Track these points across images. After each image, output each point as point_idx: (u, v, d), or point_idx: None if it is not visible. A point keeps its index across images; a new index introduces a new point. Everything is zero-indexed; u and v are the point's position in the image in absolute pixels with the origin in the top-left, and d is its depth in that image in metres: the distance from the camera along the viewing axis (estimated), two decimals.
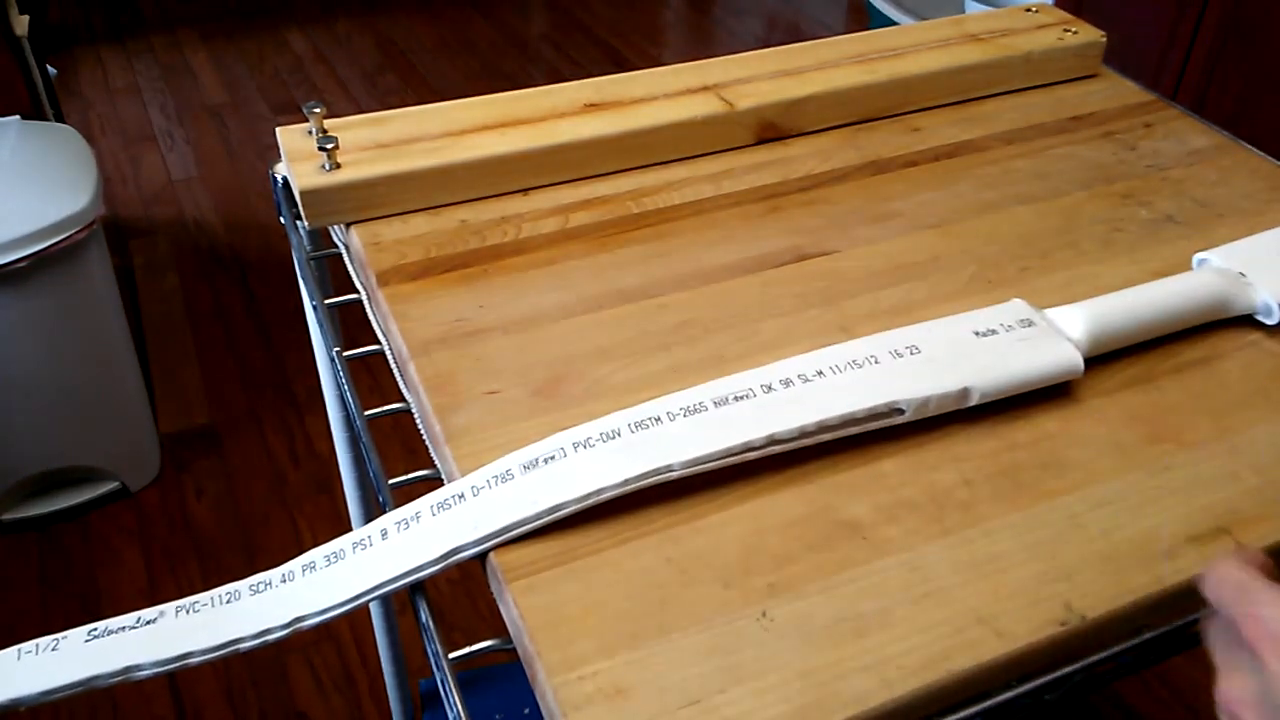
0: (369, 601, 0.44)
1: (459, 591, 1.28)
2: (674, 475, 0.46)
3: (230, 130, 2.22)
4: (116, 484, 1.39)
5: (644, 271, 0.60)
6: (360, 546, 0.45)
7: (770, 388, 0.49)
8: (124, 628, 0.44)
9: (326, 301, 0.62)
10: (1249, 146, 0.73)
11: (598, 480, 0.45)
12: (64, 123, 1.62)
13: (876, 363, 0.50)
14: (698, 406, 0.48)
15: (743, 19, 2.75)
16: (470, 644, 0.44)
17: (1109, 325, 0.53)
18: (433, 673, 0.48)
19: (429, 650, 0.44)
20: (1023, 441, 0.50)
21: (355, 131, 0.66)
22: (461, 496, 0.46)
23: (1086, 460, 0.49)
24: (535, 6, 2.78)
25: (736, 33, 2.69)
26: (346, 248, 0.64)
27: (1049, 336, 0.52)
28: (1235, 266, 0.58)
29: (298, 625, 0.44)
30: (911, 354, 0.51)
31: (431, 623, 0.44)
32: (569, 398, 0.52)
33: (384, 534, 0.45)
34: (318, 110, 0.64)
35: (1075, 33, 0.80)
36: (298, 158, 0.63)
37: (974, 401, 0.50)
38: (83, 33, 2.60)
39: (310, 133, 0.65)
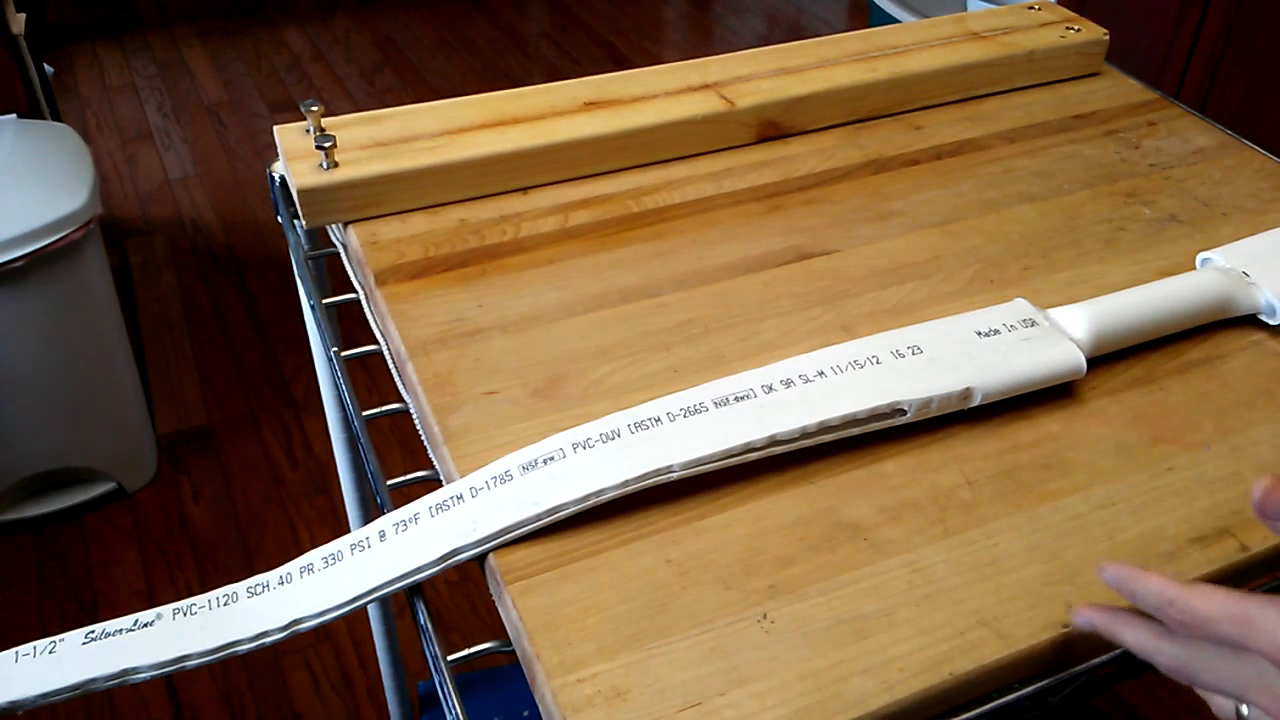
0: (367, 603, 0.44)
1: (458, 593, 1.28)
2: (674, 476, 0.46)
3: (227, 129, 2.21)
4: (113, 485, 1.39)
5: (644, 271, 0.60)
6: (358, 548, 0.45)
7: (771, 388, 0.49)
8: (121, 630, 0.43)
9: (324, 301, 0.62)
10: (1252, 145, 0.72)
11: (597, 481, 0.45)
12: (61, 121, 1.62)
13: (878, 363, 0.50)
14: (698, 407, 0.48)
15: (743, 16, 2.75)
16: (469, 646, 0.44)
17: (1112, 325, 0.53)
18: (431, 675, 0.47)
19: (427, 652, 0.44)
20: (1025, 442, 0.50)
21: (353, 130, 0.66)
22: (460, 498, 0.45)
23: (1089, 461, 0.49)
24: (534, 4, 2.78)
25: (737, 30, 2.69)
26: (344, 247, 0.64)
27: (1052, 336, 0.52)
28: (1239, 266, 0.57)
29: (295, 627, 0.44)
30: (913, 354, 0.51)
31: (430, 625, 0.44)
32: (568, 398, 0.51)
33: (382, 536, 0.45)
34: (315, 109, 0.64)
35: (1078, 31, 0.79)
36: (295, 156, 0.63)
37: (976, 402, 0.50)
38: (80, 31, 2.60)
39: (308, 131, 0.64)
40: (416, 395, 0.52)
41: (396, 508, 0.47)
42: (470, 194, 0.65)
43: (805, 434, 0.47)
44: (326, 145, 0.62)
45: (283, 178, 0.66)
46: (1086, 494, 0.47)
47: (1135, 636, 0.38)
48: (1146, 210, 0.66)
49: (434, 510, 0.45)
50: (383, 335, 0.57)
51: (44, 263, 1.16)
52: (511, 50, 2.54)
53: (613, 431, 0.47)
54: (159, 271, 1.80)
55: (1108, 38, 0.79)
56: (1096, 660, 0.43)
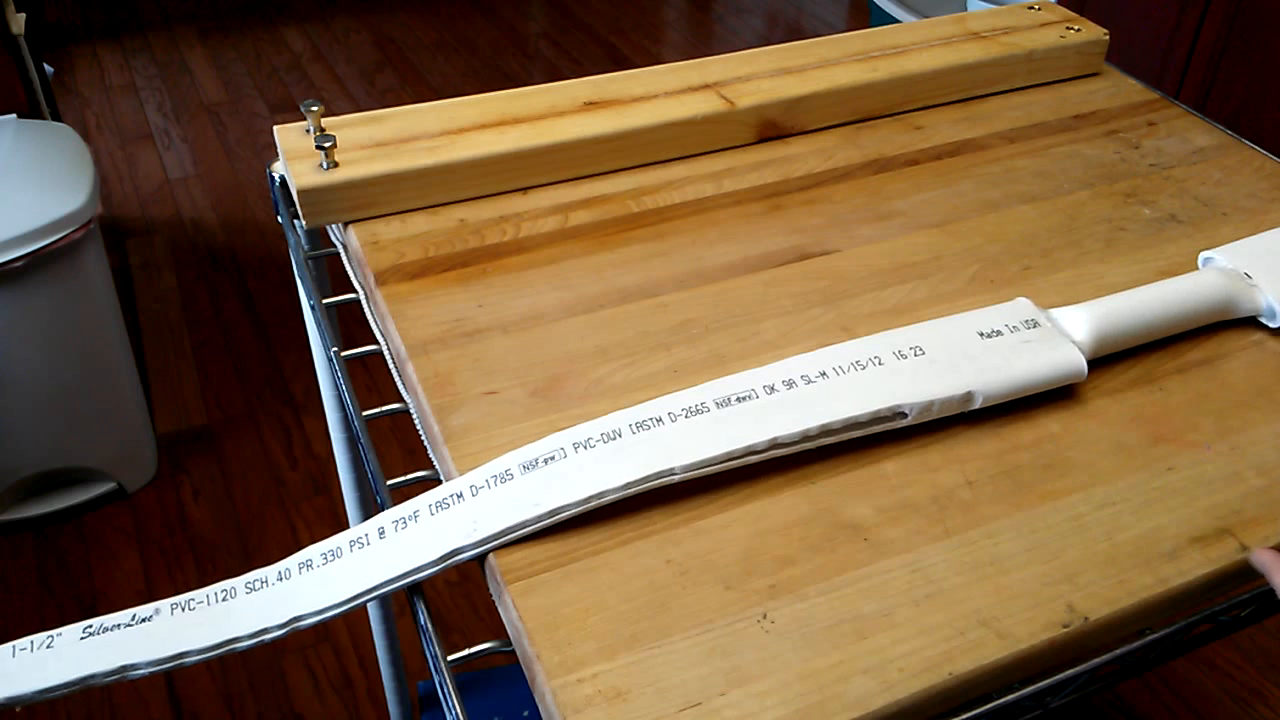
0: (367, 602, 0.44)
1: (458, 593, 1.28)
2: (675, 479, 0.46)
3: (228, 129, 2.21)
4: (113, 485, 1.39)
5: (644, 271, 0.60)
6: (358, 545, 0.45)
7: (772, 388, 0.49)
8: (119, 625, 0.43)
9: (324, 301, 0.62)
10: (1253, 145, 0.72)
11: (599, 483, 0.45)
12: (61, 121, 1.62)
13: (880, 364, 0.50)
14: (699, 407, 0.48)
15: (743, 16, 2.75)
16: (469, 646, 0.44)
17: (1113, 326, 0.53)
18: (431, 675, 0.47)
19: (427, 652, 0.44)
20: (1025, 442, 0.50)
21: (353, 130, 0.66)
22: (460, 496, 0.45)
23: (1089, 461, 0.49)
24: (534, 4, 2.78)
25: (737, 30, 2.69)
26: (344, 247, 0.64)
27: (1054, 339, 0.52)
28: (1239, 266, 0.57)
29: (295, 625, 0.43)
30: (915, 355, 0.51)
31: (430, 624, 0.44)
32: (568, 398, 0.51)
33: (381, 533, 0.45)
34: (315, 109, 0.64)
35: (1078, 31, 0.79)
36: (295, 156, 0.63)
37: (977, 405, 0.50)
38: (80, 31, 2.60)
39: (308, 131, 0.64)
40: (416, 395, 0.52)
41: None
42: (470, 194, 0.65)
43: (806, 437, 0.47)
44: (326, 145, 0.62)
45: (283, 178, 0.66)
46: (1086, 494, 0.47)
47: None
48: (1146, 210, 0.66)
49: (434, 508, 0.45)
50: (383, 335, 0.57)
51: (44, 263, 1.16)
52: (511, 50, 2.54)
53: (613, 431, 0.47)
54: (159, 271, 1.80)
55: (1108, 38, 0.79)
56: (1096, 660, 0.43)
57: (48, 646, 0.42)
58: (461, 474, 0.47)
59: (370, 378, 1.49)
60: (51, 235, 1.15)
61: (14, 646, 0.42)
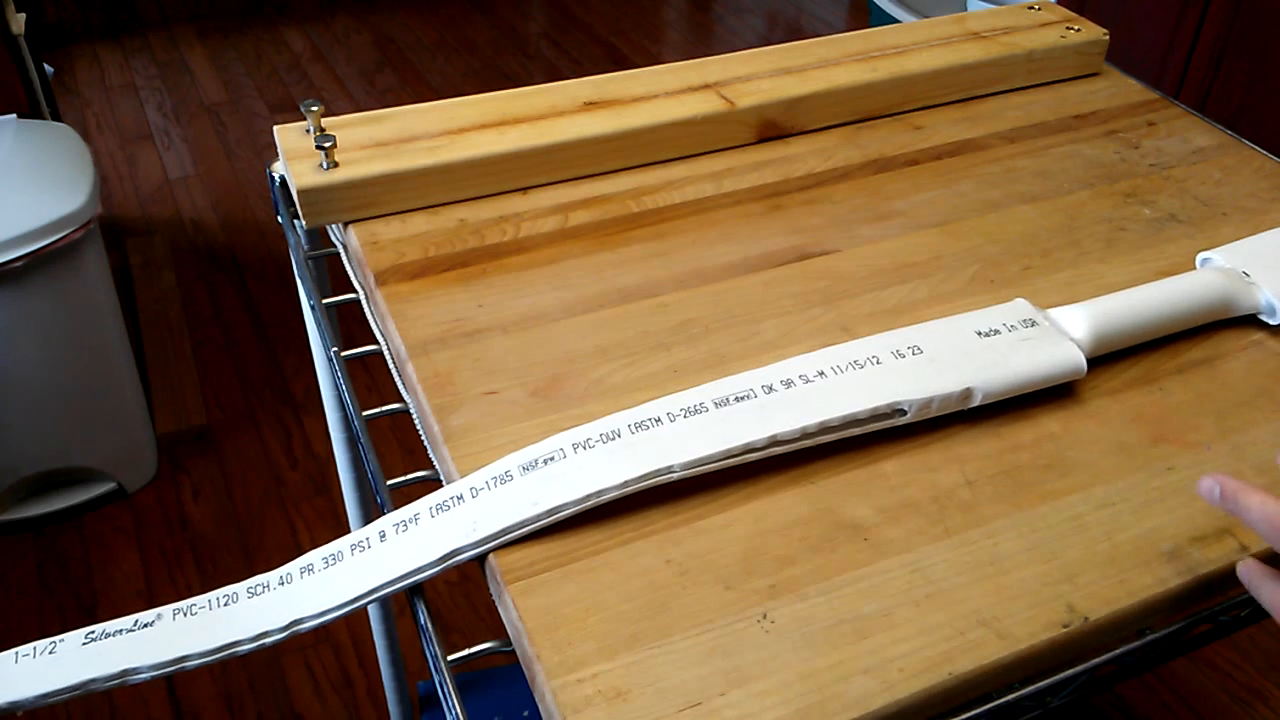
0: (367, 604, 0.44)
1: (458, 593, 1.28)
2: (674, 476, 0.46)
3: (228, 129, 2.21)
4: (113, 485, 1.39)
5: (644, 271, 0.60)
6: (359, 548, 0.45)
7: (771, 388, 0.49)
8: (121, 631, 0.43)
9: (324, 301, 0.62)
10: (1252, 145, 0.72)
11: (597, 481, 0.45)
12: (61, 121, 1.62)
13: (878, 363, 0.50)
14: (698, 407, 0.48)
15: (743, 16, 2.75)
16: (469, 646, 0.44)
17: (1112, 325, 0.53)
18: (431, 675, 0.47)
19: (427, 652, 0.44)
20: (1025, 442, 0.50)
21: (353, 130, 0.66)
22: (460, 498, 0.45)
23: (1089, 461, 0.49)
24: (534, 4, 2.78)
25: (737, 30, 2.69)
26: (344, 247, 0.64)
27: (1052, 337, 0.52)
28: (1239, 266, 0.57)
29: (295, 628, 0.44)
30: (914, 354, 0.51)
31: (430, 625, 0.44)
32: (568, 398, 0.51)
33: (382, 536, 0.45)
34: (315, 109, 0.64)
35: (1078, 31, 0.79)
36: (295, 156, 0.63)
37: (976, 402, 0.50)
38: (80, 31, 2.60)
39: (308, 131, 0.64)
40: (416, 395, 0.52)
41: (396, 508, 0.47)
42: (470, 194, 0.65)
43: (805, 434, 0.47)
44: (326, 145, 0.62)
45: (283, 178, 0.66)
46: (1086, 494, 0.47)
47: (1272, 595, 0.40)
48: (1146, 210, 0.66)
49: (434, 510, 0.45)
50: (383, 335, 0.57)
51: (44, 263, 1.16)
52: (511, 50, 2.54)
53: (613, 432, 0.47)
54: (159, 271, 1.80)
55: (1108, 38, 0.79)
56: (1096, 660, 0.43)
57: (50, 652, 0.43)
58: (462, 474, 0.47)
59: (370, 378, 1.49)
60: (51, 235, 1.15)
61: (16, 653, 0.43)
